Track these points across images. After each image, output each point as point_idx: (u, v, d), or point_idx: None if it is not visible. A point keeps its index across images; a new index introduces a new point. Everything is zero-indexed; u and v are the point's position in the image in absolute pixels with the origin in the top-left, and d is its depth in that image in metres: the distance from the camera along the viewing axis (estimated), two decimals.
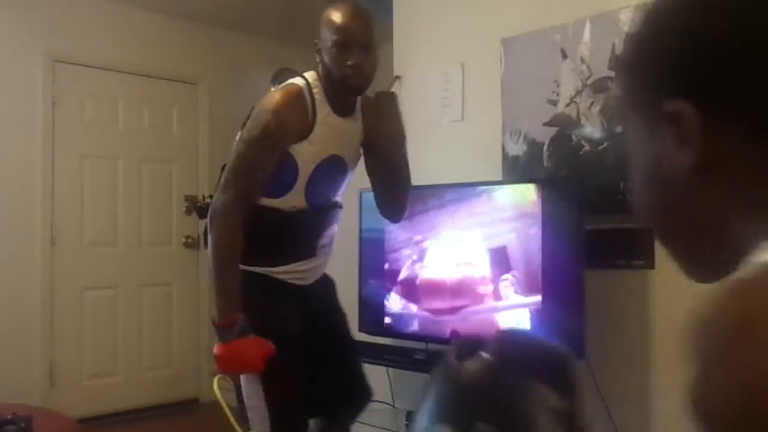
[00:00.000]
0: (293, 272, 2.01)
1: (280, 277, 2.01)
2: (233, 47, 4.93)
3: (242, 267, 1.94)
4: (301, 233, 2.00)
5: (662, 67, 0.56)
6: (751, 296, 0.44)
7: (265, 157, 1.87)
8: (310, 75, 1.96)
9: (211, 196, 2.47)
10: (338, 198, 2.13)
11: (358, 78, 1.91)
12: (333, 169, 2.01)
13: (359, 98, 2.03)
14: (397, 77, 3.53)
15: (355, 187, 3.22)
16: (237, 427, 2.99)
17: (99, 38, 4.33)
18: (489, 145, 3.10)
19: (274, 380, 1.91)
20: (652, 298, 2.54)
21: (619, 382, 2.60)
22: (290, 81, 1.96)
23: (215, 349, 1.91)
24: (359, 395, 2.20)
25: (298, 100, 1.90)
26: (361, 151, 2.12)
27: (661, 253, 2.60)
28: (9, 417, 2.40)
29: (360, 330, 3.12)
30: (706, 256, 0.58)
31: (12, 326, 3.92)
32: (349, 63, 1.88)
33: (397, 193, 2.16)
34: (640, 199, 0.63)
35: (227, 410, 2.96)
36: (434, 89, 3.34)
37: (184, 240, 4.65)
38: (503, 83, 3.07)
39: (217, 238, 1.87)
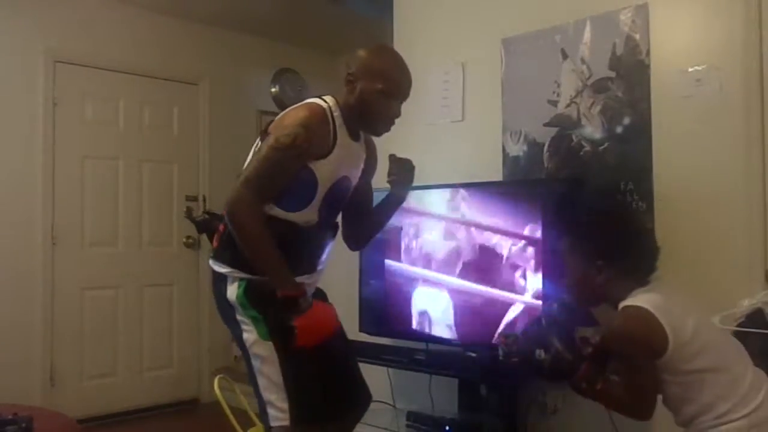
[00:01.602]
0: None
1: None
2: (233, 47, 4.93)
3: (252, 276, 1.99)
4: (309, 248, 2.07)
5: (593, 248, 1.80)
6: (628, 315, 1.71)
7: (288, 164, 1.94)
8: (330, 99, 2.06)
9: (206, 212, 2.47)
10: (337, 219, 2.23)
11: (389, 127, 2.10)
12: (343, 189, 2.11)
13: None
14: None
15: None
16: (237, 427, 2.99)
17: (99, 38, 4.34)
18: (489, 145, 3.10)
19: (293, 366, 1.94)
20: None
21: None
22: (313, 100, 2.05)
23: (296, 323, 1.88)
24: (362, 399, 2.24)
25: (323, 119, 1.99)
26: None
27: (661, 253, 2.60)
28: (10, 417, 2.40)
29: (360, 330, 3.12)
30: (597, 304, 1.90)
31: (13, 326, 3.92)
32: (390, 114, 2.05)
33: (367, 233, 2.34)
34: (573, 291, 1.90)
35: (227, 410, 2.97)
36: (434, 89, 3.34)
37: (184, 240, 4.65)
38: (503, 83, 3.07)
39: (250, 225, 1.93)
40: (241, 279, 2.00)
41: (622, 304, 1.72)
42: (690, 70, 2.50)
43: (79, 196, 4.26)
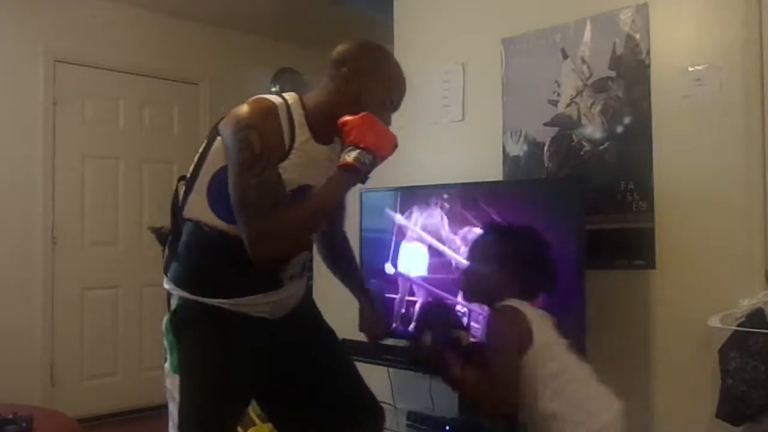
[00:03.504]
0: (253, 305, 1.78)
1: (238, 309, 1.78)
2: (233, 47, 4.93)
3: (192, 297, 1.77)
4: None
5: (518, 259, 1.91)
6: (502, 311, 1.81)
7: (270, 176, 1.65)
8: (290, 97, 1.80)
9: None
10: None
11: None
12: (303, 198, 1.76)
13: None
14: None
15: (355, 188, 3.22)
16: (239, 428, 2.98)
17: (99, 38, 4.34)
18: (489, 145, 3.10)
19: (193, 407, 1.72)
20: (652, 298, 2.54)
21: (620, 382, 2.59)
22: (262, 96, 1.79)
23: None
24: (370, 413, 2.04)
25: (272, 117, 1.71)
26: None
27: (662, 253, 2.59)
28: (10, 417, 2.40)
29: (360, 330, 3.12)
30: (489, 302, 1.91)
31: (13, 326, 3.93)
32: (389, 124, 1.80)
33: (329, 261, 2.20)
34: (475, 285, 1.95)
35: None
36: (434, 89, 3.34)
37: None
38: (504, 83, 3.07)
39: (289, 233, 1.66)
40: (180, 297, 1.78)
41: (496, 305, 1.83)
42: (690, 69, 2.50)
43: (79, 196, 4.26)
